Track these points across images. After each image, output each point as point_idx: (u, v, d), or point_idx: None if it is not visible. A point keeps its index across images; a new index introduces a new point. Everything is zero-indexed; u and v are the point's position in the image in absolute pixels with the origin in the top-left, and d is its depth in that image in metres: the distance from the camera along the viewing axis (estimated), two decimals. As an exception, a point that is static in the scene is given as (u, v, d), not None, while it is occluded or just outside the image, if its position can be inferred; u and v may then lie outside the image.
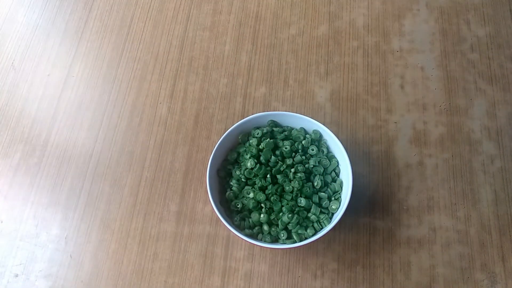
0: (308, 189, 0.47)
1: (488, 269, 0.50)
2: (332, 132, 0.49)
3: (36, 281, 0.53)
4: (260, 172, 0.48)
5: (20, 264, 0.54)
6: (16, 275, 0.53)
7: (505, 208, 0.53)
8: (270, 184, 0.48)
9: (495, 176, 0.54)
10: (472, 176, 0.54)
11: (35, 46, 0.67)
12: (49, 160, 0.59)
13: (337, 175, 0.50)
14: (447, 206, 0.53)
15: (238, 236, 0.45)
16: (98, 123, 0.61)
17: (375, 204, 0.54)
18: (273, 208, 0.47)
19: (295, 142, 0.50)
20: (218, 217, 0.46)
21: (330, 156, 0.50)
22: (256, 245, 0.46)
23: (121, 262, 0.53)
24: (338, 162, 0.50)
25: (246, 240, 0.45)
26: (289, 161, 0.49)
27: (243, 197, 0.49)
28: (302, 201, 0.47)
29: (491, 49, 0.61)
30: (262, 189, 0.48)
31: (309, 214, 0.47)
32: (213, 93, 0.61)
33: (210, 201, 0.46)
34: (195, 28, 0.66)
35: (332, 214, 0.48)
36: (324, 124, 0.50)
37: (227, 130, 0.50)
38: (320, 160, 0.49)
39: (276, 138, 0.51)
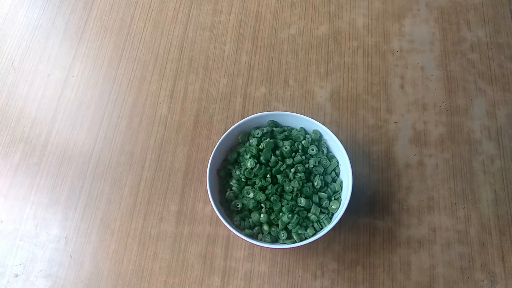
0: (308, 189, 0.47)
1: (488, 269, 0.50)
2: (332, 132, 0.49)
3: (36, 281, 0.53)
4: (260, 172, 0.48)
5: (20, 264, 0.54)
6: (16, 275, 0.53)
7: (505, 208, 0.53)
8: (270, 184, 0.48)
9: (495, 176, 0.54)
10: (472, 176, 0.54)
11: (35, 46, 0.67)
12: (49, 160, 0.59)
13: (337, 175, 0.50)
14: (447, 206, 0.53)
15: (238, 236, 0.45)
16: (98, 123, 0.61)
17: (375, 204, 0.54)
18: (273, 208, 0.47)
19: (295, 142, 0.50)
20: (218, 217, 0.46)
21: (330, 156, 0.50)
22: (256, 245, 0.46)
23: (121, 262, 0.53)
24: (338, 162, 0.50)
25: (246, 240, 0.45)
26: (289, 161, 0.49)
27: (243, 197, 0.49)
28: (302, 201, 0.47)
29: (491, 49, 0.61)
30: (262, 189, 0.48)
31: (309, 214, 0.47)
32: (213, 93, 0.61)
33: (210, 201, 0.46)
34: (195, 28, 0.66)
35: (332, 214, 0.48)
36: (324, 124, 0.50)
37: (227, 130, 0.50)
38: (320, 160, 0.49)
39: (276, 138, 0.51)
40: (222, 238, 0.53)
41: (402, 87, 0.60)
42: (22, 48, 0.67)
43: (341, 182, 0.49)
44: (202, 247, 0.53)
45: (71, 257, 0.54)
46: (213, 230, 0.54)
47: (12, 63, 0.66)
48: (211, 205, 0.46)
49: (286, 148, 0.49)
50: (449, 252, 0.51)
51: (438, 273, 0.50)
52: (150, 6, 0.68)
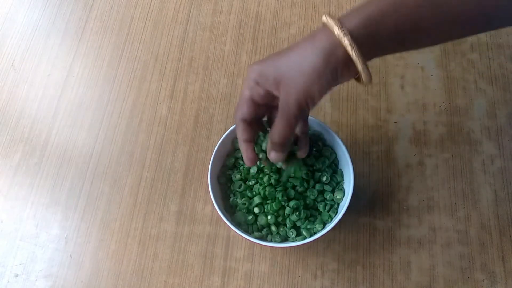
0: (311, 182, 0.47)
1: (488, 269, 0.50)
2: (319, 121, 0.49)
3: (36, 281, 0.53)
4: (260, 176, 0.48)
5: (20, 264, 0.54)
6: (16, 275, 0.53)
7: (505, 208, 0.53)
8: (272, 184, 0.48)
9: (495, 176, 0.54)
10: (472, 176, 0.54)
11: (35, 46, 0.67)
12: (49, 160, 0.59)
13: (336, 165, 0.50)
14: (447, 206, 0.53)
15: (251, 241, 0.45)
16: (98, 123, 0.61)
17: (375, 204, 0.54)
18: (279, 208, 0.47)
19: None
20: (236, 232, 0.45)
21: (325, 150, 0.50)
22: (271, 246, 0.46)
23: (121, 262, 0.53)
24: (336, 153, 0.50)
25: (258, 243, 0.45)
26: None
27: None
28: (308, 196, 0.47)
29: (491, 49, 0.61)
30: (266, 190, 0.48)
31: (315, 207, 0.47)
32: (213, 93, 0.61)
33: (219, 214, 0.45)
34: (195, 28, 0.66)
35: (338, 204, 0.48)
36: (324, 124, 0.50)
37: (227, 130, 0.50)
38: (317, 154, 0.49)
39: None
40: (222, 238, 0.53)
41: (402, 87, 0.60)
42: (22, 48, 0.67)
43: (342, 172, 0.49)
44: (202, 247, 0.53)
45: (71, 257, 0.54)
46: (213, 230, 0.54)
47: (12, 63, 0.66)
48: (223, 219, 0.45)
49: None
50: (449, 252, 0.51)
51: (438, 273, 0.50)
52: (150, 6, 0.68)
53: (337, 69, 0.36)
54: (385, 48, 0.37)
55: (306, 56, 0.36)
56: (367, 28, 0.35)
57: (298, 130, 0.43)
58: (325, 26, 0.36)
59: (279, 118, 0.37)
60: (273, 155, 0.40)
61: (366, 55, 0.36)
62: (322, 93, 0.36)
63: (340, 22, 0.35)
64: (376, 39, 0.36)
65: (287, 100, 0.37)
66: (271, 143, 0.39)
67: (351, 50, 0.35)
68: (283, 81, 0.37)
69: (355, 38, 0.34)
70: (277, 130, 0.38)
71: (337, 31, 0.35)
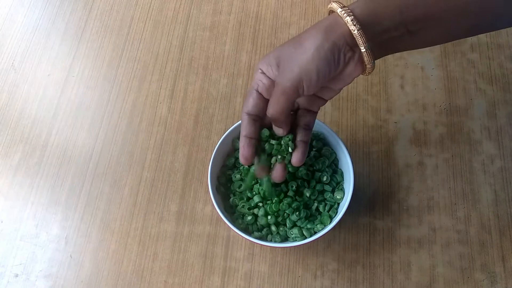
0: (311, 182, 0.47)
1: (488, 269, 0.50)
2: (319, 121, 0.49)
3: (36, 281, 0.53)
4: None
5: (20, 264, 0.54)
6: (16, 275, 0.53)
7: (505, 208, 0.53)
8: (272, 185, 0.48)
9: (495, 176, 0.54)
10: (472, 176, 0.54)
11: (35, 46, 0.67)
12: (49, 160, 0.59)
13: (336, 165, 0.50)
14: (447, 206, 0.53)
15: (251, 241, 0.45)
16: (98, 123, 0.61)
17: (375, 204, 0.54)
18: (279, 209, 0.47)
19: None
20: (236, 232, 0.45)
21: (325, 150, 0.50)
22: (271, 246, 0.46)
23: (121, 262, 0.53)
24: (336, 153, 0.50)
25: (257, 243, 0.45)
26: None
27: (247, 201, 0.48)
28: (307, 196, 0.47)
29: (491, 49, 0.61)
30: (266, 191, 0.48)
31: (315, 208, 0.47)
32: (213, 93, 0.61)
33: (220, 215, 0.45)
34: (195, 28, 0.66)
35: (338, 204, 0.48)
36: (324, 124, 0.50)
37: (227, 130, 0.50)
38: (317, 154, 0.49)
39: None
40: (222, 238, 0.53)
41: (402, 87, 0.60)
42: (22, 48, 0.67)
43: (342, 172, 0.49)
44: (202, 247, 0.53)
45: (71, 257, 0.54)
46: (213, 230, 0.54)
47: (12, 63, 0.66)
48: (222, 219, 0.45)
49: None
50: (449, 252, 0.51)
51: (438, 273, 0.50)
52: (150, 6, 0.68)
53: (338, 46, 0.35)
54: (389, 34, 0.36)
55: (307, 36, 0.36)
56: (369, 4, 0.35)
57: (298, 137, 0.42)
58: (330, 13, 0.37)
59: (273, 92, 0.38)
60: (275, 130, 0.41)
61: (371, 39, 0.35)
62: (320, 71, 0.36)
63: (343, 5, 0.36)
64: (380, 19, 0.35)
65: (281, 74, 0.37)
66: (269, 117, 0.40)
67: (352, 25, 0.35)
68: (282, 60, 0.37)
69: (357, 15, 0.35)
70: (270, 103, 0.38)
71: (335, 5, 0.36)
